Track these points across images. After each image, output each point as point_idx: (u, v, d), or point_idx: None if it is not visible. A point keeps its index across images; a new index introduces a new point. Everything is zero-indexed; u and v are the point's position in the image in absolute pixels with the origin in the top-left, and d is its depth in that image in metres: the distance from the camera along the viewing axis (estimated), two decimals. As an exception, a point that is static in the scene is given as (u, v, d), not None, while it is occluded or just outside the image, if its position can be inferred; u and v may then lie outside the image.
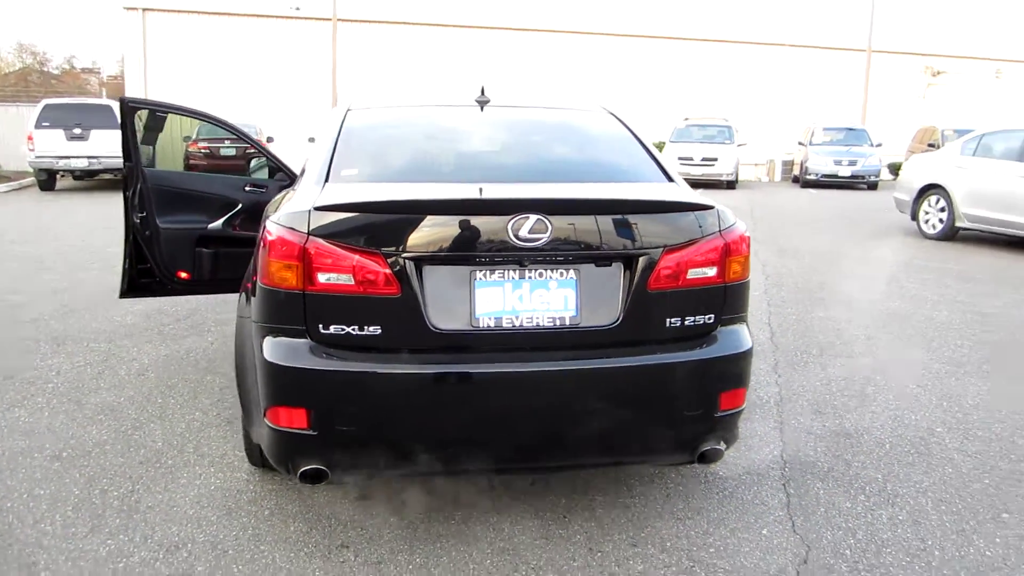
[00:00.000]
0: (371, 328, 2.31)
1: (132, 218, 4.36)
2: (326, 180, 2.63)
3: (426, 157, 2.97)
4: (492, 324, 2.35)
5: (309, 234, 2.31)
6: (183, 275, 4.52)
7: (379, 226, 2.33)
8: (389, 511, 2.81)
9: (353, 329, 2.32)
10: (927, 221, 10.10)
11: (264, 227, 2.48)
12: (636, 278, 2.41)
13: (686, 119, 22.82)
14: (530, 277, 2.38)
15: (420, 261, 2.32)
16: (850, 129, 22.48)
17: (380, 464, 2.42)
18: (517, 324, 2.36)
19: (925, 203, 10.18)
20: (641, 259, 2.41)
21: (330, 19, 21.17)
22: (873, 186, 19.93)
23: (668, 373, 2.43)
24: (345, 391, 2.32)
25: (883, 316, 5.84)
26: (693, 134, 21.53)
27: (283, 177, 4.74)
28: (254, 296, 2.51)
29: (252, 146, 4.83)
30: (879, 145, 21.45)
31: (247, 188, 4.65)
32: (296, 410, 2.34)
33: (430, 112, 3.33)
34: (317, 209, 2.33)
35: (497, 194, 2.50)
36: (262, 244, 2.44)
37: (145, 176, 4.39)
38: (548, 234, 2.33)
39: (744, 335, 2.57)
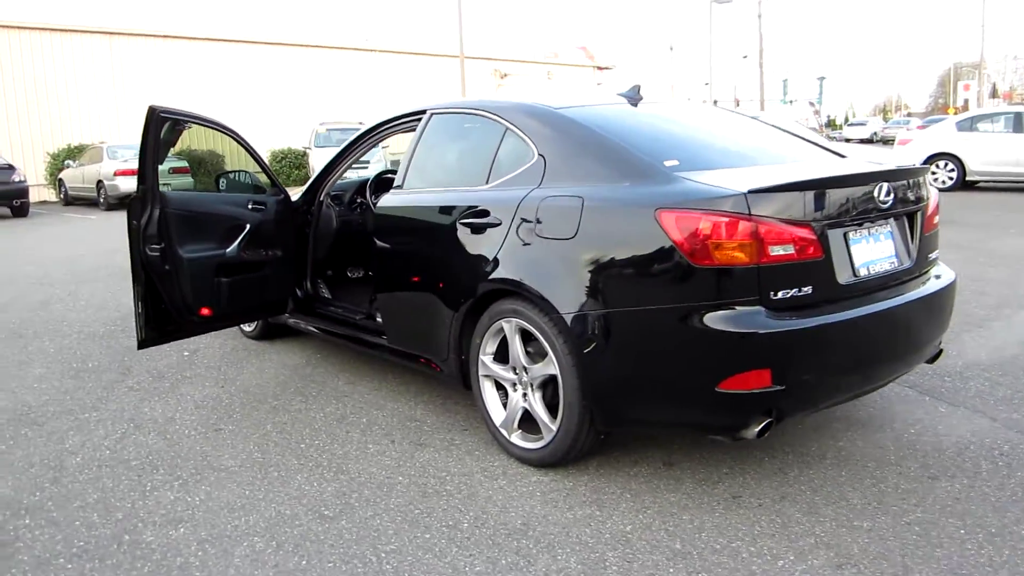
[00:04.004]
0: (805, 288, 2.64)
1: (144, 252, 3.65)
2: (659, 171, 2.82)
3: (702, 146, 3.26)
4: (865, 273, 2.84)
5: (751, 215, 2.56)
6: (205, 311, 3.91)
7: (800, 201, 2.66)
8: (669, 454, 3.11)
9: (795, 292, 2.62)
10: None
11: (679, 216, 2.57)
12: (918, 226, 3.12)
13: (323, 124, 23.00)
14: (874, 233, 2.92)
15: (827, 227, 2.71)
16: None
17: (817, 401, 2.77)
18: (874, 272, 2.89)
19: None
20: (919, 212, 3.13)
21: None
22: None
23: (945, 295, 3.18)
24: (801, 345, 2.60)
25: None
26: (334, 138, 21.82)
27: (277, 192, 4.36)
28: (673, 282, 2.61)
29: (256, 162, 4.31)
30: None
31: (250, 206, 4.18)
32: (761, 372, 2.56)
33: (628, 108, 3.54)
34: (751, 192, 2.57)
35: (872, 168, 2.99)
36: (684, 232, 2.55)
37: (166, 200, 3.70)
38: (892, 198, 2.92)
39: None
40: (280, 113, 25.58)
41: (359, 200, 4.95)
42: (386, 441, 3.45)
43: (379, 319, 3.93)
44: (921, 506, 2.77)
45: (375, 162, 17.77)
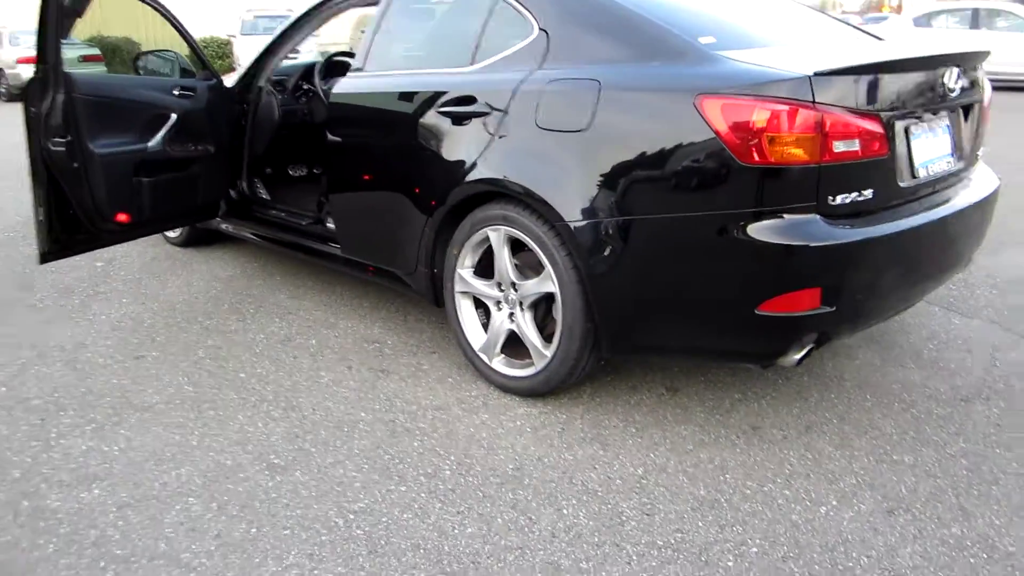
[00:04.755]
0: (866, 192, 2.19)
1: (47, 146, 3.00)
2: (696, 48, 2.28)
3: (737, 21, 2.67)
4: (924, 175, 2.39)
5: (815, 103, 2.07)
6: (122, 217, 3.29)
7: (867, 87, 2.17)
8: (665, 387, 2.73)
9: (855, 196, 2.16)
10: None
11: (727, 104, 2.06)
12: (974, 119, 2.67)
13: (249, 11, 21.65)
14: (933, 127, 2.45)
15: (894, 119, 2.24)
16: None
17: (864, 323, 2.38)
18: (932, 172, 2.44)
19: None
20: (977, 103, 2.68)
21: None
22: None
23: (992, 201, 2.74)
24: (858, 260, 2.17)
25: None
26: (261, 26, 20.59)
27: (208, 76, 3.68)
28: (712, 184, 2.13)
29: (183, 38, 3.60)
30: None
31: (177, 93, 3.51)
32: (812, 291, 2.13)
33: None
34: (817, 75, 2.07)
35: (941, 50, 2.47)
36: (731, 122, 2.05)
37: (72, 83, 3.03)
38: (960, 84, 2.46)
39: None
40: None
41: (305, 87, 4.27)
42: (341, 367, 2.96)
43: (330, 225, 3.37)
44: (962, 435, 2.45)
45: (306, 52, 16.50)
